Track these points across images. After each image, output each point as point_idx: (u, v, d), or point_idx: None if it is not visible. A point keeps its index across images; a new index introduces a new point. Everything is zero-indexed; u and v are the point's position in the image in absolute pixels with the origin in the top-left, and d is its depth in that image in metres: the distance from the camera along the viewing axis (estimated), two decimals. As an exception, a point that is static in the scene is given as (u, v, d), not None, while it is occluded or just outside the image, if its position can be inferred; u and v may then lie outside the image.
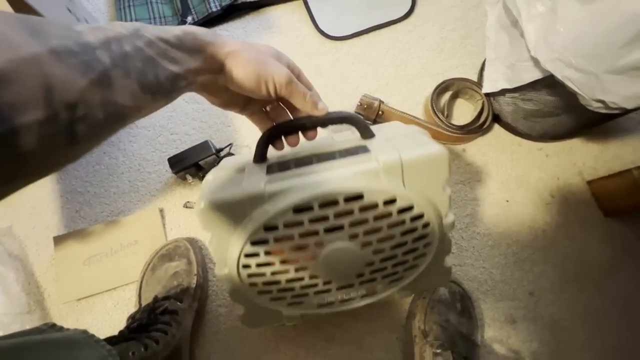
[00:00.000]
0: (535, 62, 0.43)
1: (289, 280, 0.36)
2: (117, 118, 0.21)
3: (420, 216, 0.34)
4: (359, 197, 0.31)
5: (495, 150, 0.62)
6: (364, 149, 0.34)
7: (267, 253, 0.33)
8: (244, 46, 0.29)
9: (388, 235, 0.34)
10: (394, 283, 0.40)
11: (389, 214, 0.33)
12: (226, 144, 0.61)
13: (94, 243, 0.57)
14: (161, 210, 0.60)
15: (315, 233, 0.32)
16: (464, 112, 0.65)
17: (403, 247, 0.35)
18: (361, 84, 0.67)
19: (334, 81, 0.68)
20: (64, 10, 0.53)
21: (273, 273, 0.35)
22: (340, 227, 0.32)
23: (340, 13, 0.72)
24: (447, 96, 0.64)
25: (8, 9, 0.39)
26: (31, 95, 0.15)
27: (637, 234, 0.56)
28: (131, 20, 0.71)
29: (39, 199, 0.62)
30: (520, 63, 0.48)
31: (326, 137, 0.40)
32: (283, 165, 0.34)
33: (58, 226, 0.60)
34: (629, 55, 0.32)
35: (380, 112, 0.61)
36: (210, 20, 0.72)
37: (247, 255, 0.33)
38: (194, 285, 0.50)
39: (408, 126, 0.41)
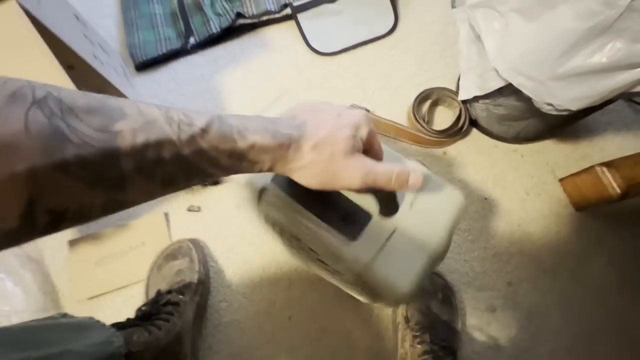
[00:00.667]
0: (497, 71, 0.48)
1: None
2: (115, 210, 0.19)
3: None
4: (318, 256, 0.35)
5: (473, 153, 0.67)
6: (359, 228, 0.32)
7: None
8: (316, 155, 0.25)
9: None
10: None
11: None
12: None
13: (104, 245, 0.62)
14: (166, 214, 0.65)
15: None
16: (444, 118, 0.70)
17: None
18: (349, 95, 0.73)
19: (325, 93, 0.74)
20: (82, 37, 0.59)
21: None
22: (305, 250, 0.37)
23: (329, 31, 0.79)
24: (427, 104, 0.69)
25: (33, 31, 0.45)
26: (8, 211, 0.14)
27: (607, 225, 0.61)
28: (139, 42, 0.78)
29: (55, 206, 0.67)
30: (487, 72, 0.53)
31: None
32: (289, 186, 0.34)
33: (72, 230, 0.65)
34: (566, 64, 0.37)
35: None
36: (211, 41, 0.78)
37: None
38: (195, 281, 0.55)
39: (442, 224, 0.34)
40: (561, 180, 0.63)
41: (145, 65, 0.77)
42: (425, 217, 0.32)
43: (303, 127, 0.25)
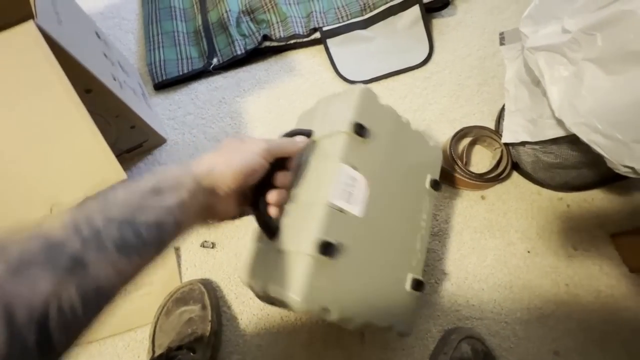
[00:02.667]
0: (559, 121, 0.43)
1: None
2: (99, 297, 0.20)
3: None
4: None
5: (514, 199, 0.62)
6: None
7: None
8: (218, 153, 0.30)
9: None
10: None
11: None
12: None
13: (109, 282, 0.57)
14: (177, 249, 0.60)
15: None
16: (482, 158, 0.65)
17: None
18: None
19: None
20: (102, 57, 0.56)
21: None
22: None
23: (359, 58, 0.75)
24: (465, 142, 0.64)
25: (49, 54, 0.41)
26: None
27: (666, 292, 0.55)
28: (160, 60, 0.74)
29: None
30: (542, 119, 0.48)
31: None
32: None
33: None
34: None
35: (399, 158, 0.62)
36: (234, 63, 0.75)
37: None
38: (208, 333, 0.49)
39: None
40: (613, 236, 0.58)
41: (164, 85, 0.73)
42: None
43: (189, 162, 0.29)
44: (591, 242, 0.58)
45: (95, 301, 0.19)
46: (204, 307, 0.52)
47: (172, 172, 0.27)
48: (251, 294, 0.56)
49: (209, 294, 0.53)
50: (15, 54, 0.39)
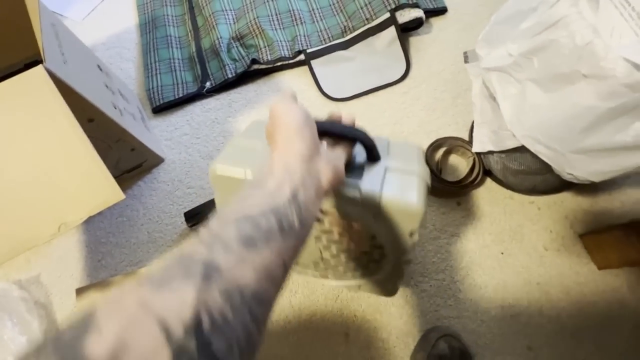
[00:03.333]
0: (507, 134, 0.48)
1: None
2: (246, 300, 0.19)
3: (380, 246, 0.39)
4: (333, 213, 0.38)
5: (488, 204, 0.66)
6: (359, 173, 0.38)
7: None
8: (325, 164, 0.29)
9: (346, 248, 0.40)
10: (343, 280, 0.46)
11: (356, 233, 0.39)
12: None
13: (113, 293, 0.61)
14: (175, 261, 0.65)
15: None
16: (457, 166, 0.70)
17: (356, 261, 0.42)
18: (361, 141, 0.73)
19: (336, 138, 0.74)
20: (103, 88, 0.62)
21: None
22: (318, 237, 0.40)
23: (341, 77, 0.81)
24: (440, 152, 0.69)
25: (59, 98, 0.47)
26: (151, 343, 0.14)
27: (631, 287, 0.58)
28: (158, 86, 0.80)
29: (66, 249, 0.67)
30: (502, 131, 0.53)
31: None
32: None
33: (82, 275, 0.65)
34: (587, 140, 0.37)
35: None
36: (226, 85, 0.80)
37: None
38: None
39: (416, 159, 0.41)
40: (582, 236, 0.61)
41: (162, 108, 0.79)
42: (402, 158, 0.40)
43: (273, 164, 0.27)
44: (561, 242, 0.62)
45: (243, 303, 0.18)
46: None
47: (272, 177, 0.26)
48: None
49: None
50: (26, 95, 0.45)
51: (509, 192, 0.66)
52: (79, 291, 0.62)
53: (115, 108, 0.62)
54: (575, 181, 0.43)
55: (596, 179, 0.40)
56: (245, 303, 0.18)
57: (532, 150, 0.43)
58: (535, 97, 0.41)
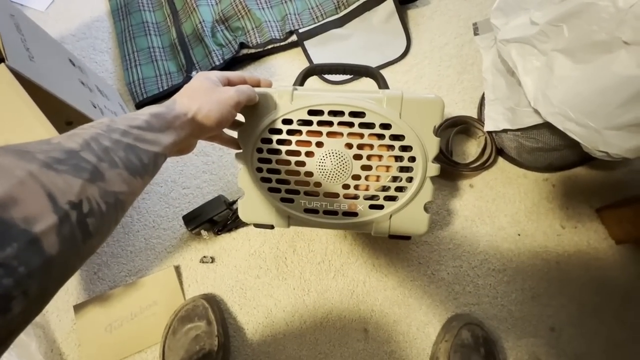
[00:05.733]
0: (536, 110, 0.44)
1: (288, 172, 0.43)
2: (117, 206, 0.23)
3: (409, 148, 0.40)
4: (361, 114, 0.39)
5: (502, 184, 0.63)
6: (375, 92, 0.41)
7: (278, 142, 0.41)
8: (197, 101, 0.32)
9: (377, 154, 0.41)
10: (373, 209, 0.44)
11: (382, 136, 0.40)
12: (238, 197, 0.62)
13: (113, 308, 0.57)
14: (177, 267, 0.61)
15: (319, 134, 0.40)
16: (468, 147, 0.66)
17: (388, 171, 0.42)
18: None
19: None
20: (79, 85, 0.55)
21: (277, 161, 0.42)
22: (340, 134, 0.40)
23: (338, 57, 0.75)
24: (450, 133, 0.65)
25: (27, 99, 0.41)
26: (39, 206, 0.17)
27: (652, 260, 0.57)
28: (138, 79, 0.74)
29: (57, 263, 0.62)
30: (520, 108, 0.49)
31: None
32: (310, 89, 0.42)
33: (78, 289, 0.60)
34: (626, 115, 0.34)
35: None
36: (214, 74, 0.74)
37: (263, 140, 0.42)
38: (216, 348, 0.50)
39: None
40: (598, 210, 0.60)
41: (146, 103, 0.73)
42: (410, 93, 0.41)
43: (173, 98, 0.33)
44: (578, 218, 0.60)
45: (114, 208, 0.22)
46: (209, 323, 0.53)
47: (163, 114, 0.30)
48: (255, 304, 0.58)
49: (213, 309, 0.54)
50: None
51: (522, 170, 0.63)
52: (77, 308, 0.57)
53: (95, 107, 0.56)
54: (606, 158, 0.40)
55: (633, 155, 0.37)
56: (117, 209, 0.23)
57: (561, 128, 0.40)
58: (565, 69, 0.37)
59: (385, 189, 0.42)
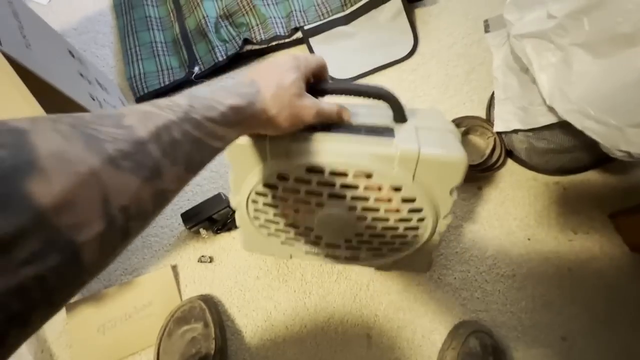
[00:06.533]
0: (551, 108, 0.42)
1: (286, 224, 0.40)
2: (163, 203, 0.21)
3: (419, 210, 0.36)
4: (368, 175, 0.34)
5: (511, 187, 0.61)
6: (389, 132, 0.35)
7: (274, 197, 0.38)
8: (278, 104, 0.30)
9: (383, 217, 0.37)
10: (376, 257, 0.42)
11: (390, 199, 0.36)
12: (238, 195, 0.60)
13: (107, 308, 0.55)
14: (175, 267, 0.59)
15: (319, 194, 0.36)
16: (476, 148, 0.64)
17: (393, 230, 0.38)
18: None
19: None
20: (77, 77, 0.54)
21: (275, 214, 0.40)
22: (342, 197, 0.36)
23: (344, 55, 0.73)
24: (457, 134, 0.63)
25: (21, 85, 0.39)
26: (92, 212, 0.16)
27: (668, 269, 0.55)
28: (140, 73, 0.72)
29: (51, 260, 0.60)
30: (533, 107, 0.48)
31: (362, 105, 0.40)
32: (311, 126, 0.35)
33: (70, 289, 0.58)
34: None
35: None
36: (217, 70, 0.73)
37: (257, 193, 0.38)
38: (212, 351, 0.48)
39: (442, 120, 0.40)
40: (612, 216, 0.57)
41: (146, 98, 0.71)
42: (427, 119, 0.38)
43: (256, 84, 0.30)
44: (590, 224, 0.58)
45: (159, 207, 0.21)
46: (206, 325, 0.51)
47: (243, 109, 0.27)
48: (254, 306, 0.56)
49: (210, 310, 0.52)
50: None
51: (532, 173, 0.61)
52: (69, 307, 0.55)
53: (94, 99, 0.55)
54: (626, 159, 0.38)
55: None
56: (163, 206, 0.21)
57: (579, 126, 0.38)
58: (584, 64, 0.36)
59: (390, 243, 0.40)
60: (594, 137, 0.37)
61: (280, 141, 0.34)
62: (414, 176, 0.34)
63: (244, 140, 0.35)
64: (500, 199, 0.60)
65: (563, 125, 0.47)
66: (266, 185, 0.37)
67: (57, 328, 0.56)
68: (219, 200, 0.57)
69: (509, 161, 0.63)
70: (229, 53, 0.72)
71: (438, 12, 0.76)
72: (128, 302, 0.56)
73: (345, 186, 0.35)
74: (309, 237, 0.42)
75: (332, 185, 0.35)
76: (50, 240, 0.14)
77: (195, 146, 0.23)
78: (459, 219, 0.59)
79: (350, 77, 0.72)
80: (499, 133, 0.60)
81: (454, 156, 0.33)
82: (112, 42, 0.79)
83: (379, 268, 0.44)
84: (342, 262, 0.45)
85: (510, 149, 0.61)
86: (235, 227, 0.61)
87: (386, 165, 0.33)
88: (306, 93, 0.32)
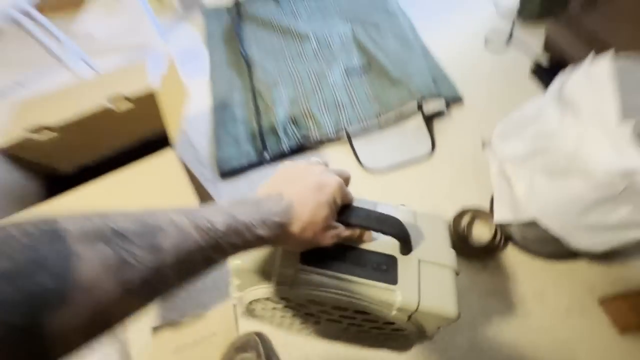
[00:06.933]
0: (522, 210, 0.59)
1: (282, 318, 0.46)
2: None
3: (405, 330, 0.40)
4: (366, 313, 0.38)
5: (511, 267, 0.74)
6: (393, 269, 0.37)
7: (274, 308, 0.42)
8: (304, 234, 0.32)
9: (373, 332, 0.43)
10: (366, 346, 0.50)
11: (382, 327, 0.41)
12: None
13: (182, 333, 0.71)
14: (235, 306, 0.75)
15: (318, 317, 0.42)
16: (481, 232, 0.80)
17: (379, 330, 0.43)
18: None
19: (374, 204, 0.87)
20: (195, 162, 0.79)
21: (272, 317, 0.44)
22: (338, 322, 0.42)
23: (376, 152, 0.97)
24: (466, 220, 0.80)
25: (184, 179, 0.62)
26: (90, 330, 0.17)
27: (654, 353, 0.62)
28: (225, 156, 0.98)
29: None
30: (519, 205, 0.65)
31: (378, 203, 0.44)
32: (317, 261, 0.38)
33: (156, 314, 0.75)
34: (584, 220, 0.48)
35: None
36: (281, 156, 0.98)
37: (258, 301, 0.42)
38: (263, 377, 0.61)
39: (443, 239, 0.41)
40: (602, 301, 0.68)
41: (228, 174, 0.96)
42: (431, 240, 0.40)
43: (290, 211, 0.31)
44: (581, 306, 0.69)
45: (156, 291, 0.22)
46: (258, 355, 0.64)
47: (269, 239, 0.29)
48: (297, 347, 0.68)
49: (263, 343, 0.66)
50: (156, 177, 0.60)
51: (529, 257, 0.75)
52: (155, 329, 0.72)
53: (202, 175, 0.79)
54: (584, 253, 0.53)
55: (600, 249, 0.50)
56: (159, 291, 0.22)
57: (543, 225, 0.54)
58: (541, 184, 0.54)
59: (378, 342, 0.49)
60: (555, 234, 0.53)
61: (287, 269, 0.36)
62: (409, 317, 0.37)
63: (250, 264, 0.38)
64: (500, 277, 0.73)
65: (543, 221, 0.63)
66: (268, 299, 0.40)
67: (141, 345, 0.71)
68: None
69: (510, 245, 0.77)
70: (291, 145, 0.98)
71: (452, 126, 1.00)
72: (198, 331, 0.71)
73: (344, 317, 0.40)
74: (305, 330, 0.51)
75: (331, 314, 0.40)
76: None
77: (207, 264, 0.24)
78: (466, 291, 0.72)
79: (382, 167, 0.94)
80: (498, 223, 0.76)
81: (447, 311, 0.36)
82: (208, 131, 1.09)
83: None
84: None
85: (509, 235, 0.76)
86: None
87: (385, 308, 0.36)
88: (332, 223, 0.34)
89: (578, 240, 0.50)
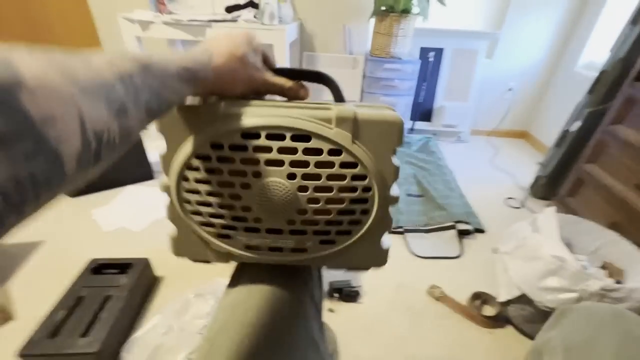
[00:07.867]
0: (513, 285, 0.99)
1: (221, 206, 0.37)
2: (128, 140, 0.24)
3: (363, 177, 0.35)
4: (306, 138, 0.33)
5: (509, 342, 1.05)
6: (325, 105, 0.35)
7: (207, 170, 0.35)
8: (229, 69, 0.34)
9: (326, 186, 0.35)
10: (325, 245, 0.39)
11: (331, 164, 0.34)
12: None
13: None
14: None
15: (256, 162, 0.34)
16: (489, 307, 1.14)
17: (338, 204, 0.36)
18: (430, 282, 1.25)
19: (413, 279, 1.27)
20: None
21: (208, 193, 0.36)
22: (280, 163, 0.34)
23: (422, 246, 1.42)
24: (479, 300, 1.16)
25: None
26: (72, 130, 0.18)
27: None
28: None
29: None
30: (511, 285, 1.04)
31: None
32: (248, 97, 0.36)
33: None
34: (541, 284, 0.87)
35: (440, 296, 1.16)
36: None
37: (189, 168, 0.35)
38: None
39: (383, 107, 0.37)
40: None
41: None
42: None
43: (209, 51, 0.33)
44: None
45: (125, 143, 0.24)
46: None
47: (195, 70, 0.30)
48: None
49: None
50: None
51: (526, 338, 1.06)
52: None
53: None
54: (545, 309, 0.89)
55: (555, 305, 0.86)
56: (124, 145, 0.24)
57: (521, 291, 0.93)
58: (518, 264, 0.96)
59: (337, 222, 0.37)
60: (528, 295, 0.92)
61: (214, 106, 0.33)
62: (352, 138, 0.34)
63: (175, 111, 0.34)
64: (500, 346, 1.04)
65: (529, 301, 1.01)
66: (199, 157, 0.35)
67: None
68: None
69: (509, 326, 1.09)
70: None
71: (475, 243, 1.45)
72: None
73: (283, 150, 0.34)
74: (247, 222, 0.37)
75: (269, 150, 0.34)
76: (40, 145, 0.16)
77: (154, 96, 0.26)
78: (467, 352, 1.03)
79: (424, 256, 1.37)
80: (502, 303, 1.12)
81: (391, 115, 0.34)
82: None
83: (330, 267, 0.42)
84: (288, 256, 0.40)
85: (510, 317, 1.10)
86: (358, 299, 1.14)
87: (324, 126, 0.33)
88: (258, 65, 0.37)
89: (540, 300, 0.88)
